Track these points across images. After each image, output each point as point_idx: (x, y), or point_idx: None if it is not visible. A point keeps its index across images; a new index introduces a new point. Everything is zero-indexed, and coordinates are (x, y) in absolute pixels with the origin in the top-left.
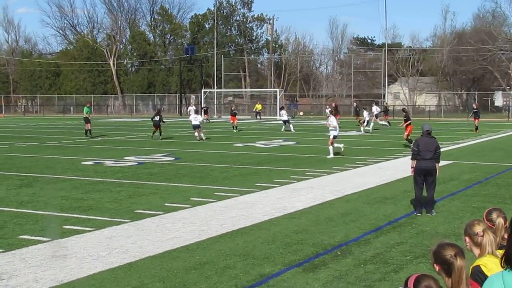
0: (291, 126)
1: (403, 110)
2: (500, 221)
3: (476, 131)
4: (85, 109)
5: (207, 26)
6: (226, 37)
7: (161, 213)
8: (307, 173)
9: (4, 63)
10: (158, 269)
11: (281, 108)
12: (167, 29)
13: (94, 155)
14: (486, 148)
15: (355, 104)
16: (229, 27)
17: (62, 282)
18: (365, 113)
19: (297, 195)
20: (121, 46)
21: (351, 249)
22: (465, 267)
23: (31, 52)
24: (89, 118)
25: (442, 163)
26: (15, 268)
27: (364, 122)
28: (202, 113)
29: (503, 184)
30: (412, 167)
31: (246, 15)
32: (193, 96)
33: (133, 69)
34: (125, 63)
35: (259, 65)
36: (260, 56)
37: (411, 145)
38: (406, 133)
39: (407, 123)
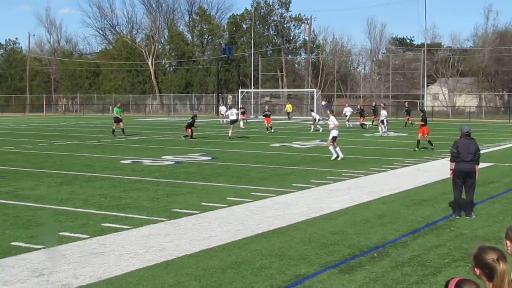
0: (318, 126)
1: (421, 110)
2: None
3: None
4: (116, 109)
5: (244, 26)
6: (263, 37)
7: (198, 212)
8: (343, 174)
9: (46, 63)
10: (194, 268)
11: (312, 110)
12: (205, 29)
13: (132, 154)
14: None
15: (374, 103)
16: (266, 27)
17: (100, 278)
18: (383, 113)
19: (334, 195)
20: (160, 46)
21: (387, 251)
22: (508, 272)
23: (72, 52)
24: (120, 117)
25: (482, 165)
26: (55, 264)
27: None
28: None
29: None
30: (451, 169)
31: (283, 15)
32: (230, 96)
33: (171, 69)
34: (163, 63)
35: (296, 65)
36: (298, 56)
37: (417, 148)
38: (420, 134)
39: (422, 123)
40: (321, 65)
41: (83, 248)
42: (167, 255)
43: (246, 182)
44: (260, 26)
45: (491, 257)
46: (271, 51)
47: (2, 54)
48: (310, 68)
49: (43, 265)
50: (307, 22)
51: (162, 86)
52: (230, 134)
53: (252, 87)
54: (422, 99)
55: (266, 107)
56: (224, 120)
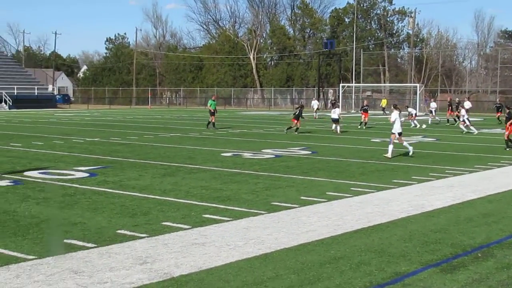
0: (338, 128)
1: (508, 107)
2: None
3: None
4: (210, 102)
5: (347, 20)
6: (365, 31)
7: (297, 206)
8: (446, 171)
9: (152, 57)
10: (293, 261)
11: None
12: (307, 23)
13: (233, 147)
14: None
15: (448, 99)
16: (369, 20)
17: (201, 268)
18: (432, 105)
19: (436, 193)
20: (261, 40)
21: (493, 252)
22: None
23: (176, 47)
24: (213, 111)
25: None
26: (158, 253)
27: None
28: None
29: None
30: None
31: (387, 8)
32: (331, 91)
33: (272, 63)
34: (264, 57)
35: (399, 59)
36: (401, 50)
37: (507, 148)
38: (507, 133)
39: (510, 121)
40: (424, 60)
41: (185, 238)
42: (266, 247)
43: (346, 177)
44: (363, 19)
45: None
46: (373, 45)
47: (111, 49)
48: (413, 63)
49: (146, 253)
50: (411, 15)
51: (263, 80)
52: (338, 130)
53: (354, 81)
54: None
55: (365, 102)
56: (315, 114)
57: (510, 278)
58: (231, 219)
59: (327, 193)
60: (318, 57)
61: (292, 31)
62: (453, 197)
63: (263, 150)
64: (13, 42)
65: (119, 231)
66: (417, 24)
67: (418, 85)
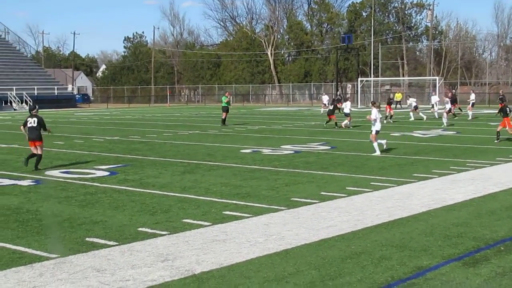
0: (346, 122)
1: (502, 100)
2: None
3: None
4: (224, 98)
5: (364, 14)
6: (383, 25)
7: (317, 201)
8: (467, 164)
9: (170, 55)
10: (314, 257)
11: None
12: (324, 18)
13: (252, 143)
14: None
15: (450, 94)
16: (386, 14)
17: (222, 265)
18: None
19: (457, 186)
20: (279, 36)
21: None
22: None
23: (194, 44)
24: (228, 107)
25: None
26: (179, 250)
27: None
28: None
29: None
30: None
31: (404, 1)
32: (349, 85)
33: (290, 59)
34: (282, 53)
35: (417, 52)
36: (419, 43)
37: (496, 140)
38: (500, 126)
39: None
40: (443, 52)
41: (205, 235)
42: (287, 243)
43: (366, 172)
44: (380, 13)
45: None
46: (391, 39)
47: (129, 48)
48: (432, 55)
49: (168, 250)
50: (429, 8)
51: (281, 76)
52: (348, 124)
53: (372, 75)
54: None
55: (391, 95)
56: (322, 110)
57: None
58: (251, 215)
59: (347, 188)
60: (336, 52)
61: (309, 26)
62: (475, 190)
63: (282, 146)
64: (33, 43)
65: (140, 229)
66: (436, 16)
67: (437, 78)
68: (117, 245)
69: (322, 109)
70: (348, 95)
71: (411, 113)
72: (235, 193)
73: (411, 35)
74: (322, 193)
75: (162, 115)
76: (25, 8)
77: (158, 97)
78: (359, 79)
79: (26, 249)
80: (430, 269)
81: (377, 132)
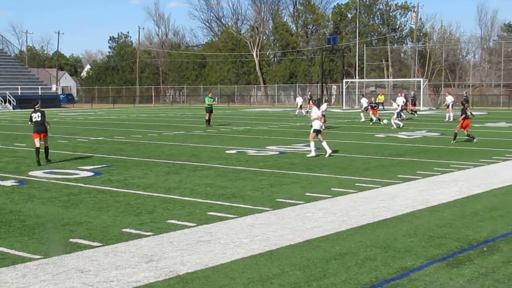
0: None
1: (462, 103)
2: None
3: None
4: (207, 99)
5: (349, 15)
6: (368, 26)
7: (302, 202)
8: (451, 165)
9: (155, 56)
10: (299, 258)
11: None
12: (309, 19)
13: (237, 144)
14: None
15: (412, 93)
16: (371, 16)
17: (206, 266)
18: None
19: (441, 187)
20: (264, 37)
21: (498, 246)
22: None
23: (179, 45)
24: (212, 108)
25: None
26: (164, 251)
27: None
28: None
29: None
30: None
31: (389, 3)
32: (334, 86)
33: (275, 60)
34: (267, 53)
35: (402, 54)
36: (404, 45)
37: (453, 141)
38: (458, 127)
39: (463, 116)
40: (428, 54)
41: (190, 236)
42: (271, 244)
43: (351, 172)
44: (365, 15)
45: None
46: (376, 40)
47: (114, 48)
48: (416, 57)
49: (152, 251)
50: (413, 10)
51: (267, 77)
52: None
53: (357, 77)
54: None
55: (372, 99)
56: (297, 111)
57: None
58: (236, 216)
59: (332, 189)
60: (321, 53)
61: (294, 28)
62: (459, 191)
63: (267, 147)
64: (16, 42)
65: (124, 230)
66: (420, 18)
67: (421, 79)
68: (101, 246)
69: (297, 111)
70: (326, 97)
71: (361, 114)
72: (220, 193)
73: (395, 37)
74: (307, 194)
75: (147, 115)
76: (8, 7)
77: (143, 97)
78: (344, 80)
79: (9, 250)
80: (414, 270)
81: (315, 131)
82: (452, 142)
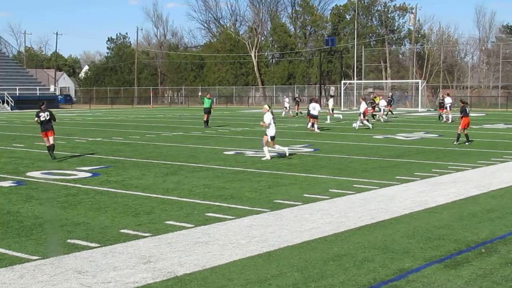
0: (315, 126)
1: (462, 101)
2: None
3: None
4: (208, 100)
5: (348, 17)
6: (367, 28)
7: (300, 203)
8: (449, 167)
9: (153, 56)
10: (297, 259)
11: (297, 101)
12: (308, 20)
13: (236, 145)
14: None
15: (391, 94)
16: (370, 17)
17: (204, 267)
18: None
19: (439, 189)
20: (262, 38)
21: (496, 247)
22: None
23: (178, 46)
24: (211, 109)
25: None
26: (162, 252)
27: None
28: (295, 105)
29: None
30: None
31: (387, 4)
32: (332, 88)
33: (273, 61)
34: (266, 55)
35: (400, 55)
36: (402, 46)
37: (456, 142)
38: (460, 128)
39: (462, 115)
40: (426, 55)
41: (188, 237)
42: (269, 245)
43: (349, 174)
44: (364, 16)
45: None
46: (374, 42)
47: (113, 48)
48: (415, 59)
49: (150, 252)
50: (412, 12)
51: (265, 78)
52: (315, 129)
53: (355, 78)
54: None
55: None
56: (284, 112)
57: None
58: (234, 217)
59: (330, 190)
60: (319, 54)
61: (293, 29)
62: (456, 193)
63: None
64: (15, 43)
65: (122, 231)
66: (418, 20)
67: (420, 81)
68: (99, 246)
69: (283, 112)
70: (316, 97)
71: (328, 116)
72: (218, 195)
73: (394, 38)
74: (305, 195)
75: (145, 116)
76: (6, 8)
77: (141, 98)
78: (342, 81)
79: (7, 251)
80: (412, 271)
81: (272, 137)
82: (455, 143)
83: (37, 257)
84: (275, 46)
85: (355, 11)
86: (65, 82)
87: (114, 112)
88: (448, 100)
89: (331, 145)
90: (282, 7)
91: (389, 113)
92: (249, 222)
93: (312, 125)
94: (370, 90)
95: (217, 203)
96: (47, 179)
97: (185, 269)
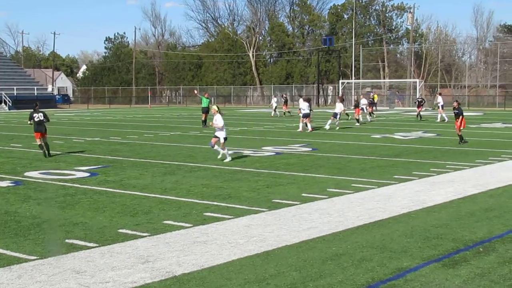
0: (309, 124)
1: (457, 102)
2: None
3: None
4: (206, 100)
5: (345, 16)
6: (364, 27)
7: (298, 203)
8: (447, 166)
9: (151, 56)
10: (295, 259)
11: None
12: (305, 20)
13: (234, 144)
14: None
15: (371, 94)
16: (368, 16)
17: (203, 267)
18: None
19: (437, 188)
20: (260, 38)
21: (494, 246)
22: None
23: (176, 45)
24: (208, 108)
25: None
26: (160, 252)
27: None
28: (283, 104)
29: None
30: None
31: (385, 4)
32: (330, 87)
33: (271, 61)
34: (264, 54)
35: (398, 55)
36: (400, 46)
37: (461, 142)
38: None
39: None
40: (424, 55)
41: (186, 237)
42: (268, 245)
43: (347, 173)
44: (362, 16)
45: None
46: (372, 41)
47: (111, 48)
48: (412, 58)
49: (148, 252)
50: (409, 11)
51: (263, 78)
52: (309, 127)
53: (353, 77)
54: None
55: (355, 98)
56: (273, 112)
57: None
58: (232, 217)
59: (328, 189)
60: (317, 53)
61: (291, 28)
62: (454, 192)
63: (263, 148)
64: (12, 42)
65: (120, 231)
66: (416, 19)
67: (417, 80)
68: (97, 246)
69: (272, 113)
70: (303, 95)
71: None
72: (216, 194)
73: (392, 38)
74: (303, 194)
75: (143, 116)
76: (4, 8)
77: (139, 98)
78: (341, 81)
79: (4, 251)
80: (410, 271)
81: (225, 139)
82: (460, 143)
83: (35, 257)
84: (273, 45)
85: (353, 11)
86: (63, 82)
87: (112, 112)
88: (440, 100)
89: (330, 145)
90: (280, 7)
91: (371, 114)
92: (247, 222)
93: (306, 125)
94: (368, 89)
95: (215, 203)
96: (45, 179)
97: (183, 269)
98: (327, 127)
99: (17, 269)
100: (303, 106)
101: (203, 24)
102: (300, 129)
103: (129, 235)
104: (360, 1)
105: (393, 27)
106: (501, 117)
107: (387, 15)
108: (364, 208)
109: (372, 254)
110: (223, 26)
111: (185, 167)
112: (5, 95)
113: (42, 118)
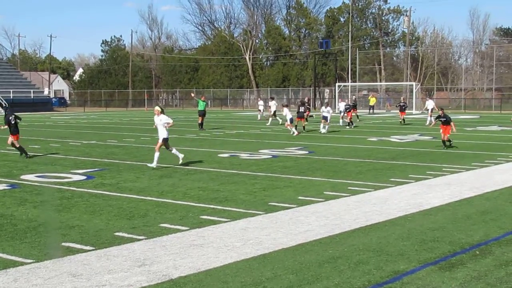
0: (294, 129)
1: (441, 108)
2: None
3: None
4: (203, 103)
5: (342, 19)
6: (361, 30)
7: (295, 206)
8: (444, 169)
9: (148, 59)
10: (291, 262)
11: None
12: (302, 23)
13: (230, 147)
14: None
15: (354, 97)
16: (364, 20)
17: (199, 270)
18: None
19: (433, 191)
20: (257, 41)
21: (491, 249)
22: None
23: (172, 48)
24: (205, 111)
25: None
26: (156, 255)
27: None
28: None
29: None
30: None
31: (382, 7)
32: (327, 90)
33: (268, 63)
34: (260, 57)
35: (394, 58)
36: (396, 49)
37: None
38: (443, 134)
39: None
40: (420, 58)
41: (183, 240)
42: (264, 248)
43: (343, 176)
44: (358, 19)
45: None
46: (369, 44)
47: (107, 51)
48: (409, 61)
49: (145, 255)
50: (406, 14)
51: (260, 81)
52: (294, 131)
53: (350, 80)
54: None
55: (346, 100)
56: (259, 115)
57: (509, 275)
58: (229, 220)
59: (324, 192)
60: (314, 57)
61: (287, 31)
62: (451, 195)
63: (260, 151)
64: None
65: (117, 234)
66: (412, 22)
67: (414, 83)
68: (93, 250)
69: (258, 115)
70: (284, 101)
71: (340, 120)
72: (213, 197)
73: (388, 41)
74: (300, 197)
75: (139, 119)
76: (0, 11)
77: (136, 101)
78: (337, 84)
79: (1, 254)
80: (406, 273)
81: (164, 139)
82: (445, 148)
83: (31, 260)
84: (270, 48)
85: (349, 14)
86: (59, 85)
87: (109, 115)
88: (430, 104)
89: (326, 148)
90: (276, 10)
91: (352, 117)
92: (244, 225)
93: (303, 128)
94: (365, 92)
95: (212, 206)
96: (41, 182)
97: (180, 272)
98: (324, 130)
99: (13, 272)
100: (287, 113)
101: (200, 27)
102: (296, 132)
103: (126, 238)
104: (357, 4)
105: (390, 30)
106: (497, 120)
107: (383, 18)
108: (361, 211)
109: (368, 257)
110: (219, 29)
111: (182, 170)
112: (1, 98)
113: (18, 120)
